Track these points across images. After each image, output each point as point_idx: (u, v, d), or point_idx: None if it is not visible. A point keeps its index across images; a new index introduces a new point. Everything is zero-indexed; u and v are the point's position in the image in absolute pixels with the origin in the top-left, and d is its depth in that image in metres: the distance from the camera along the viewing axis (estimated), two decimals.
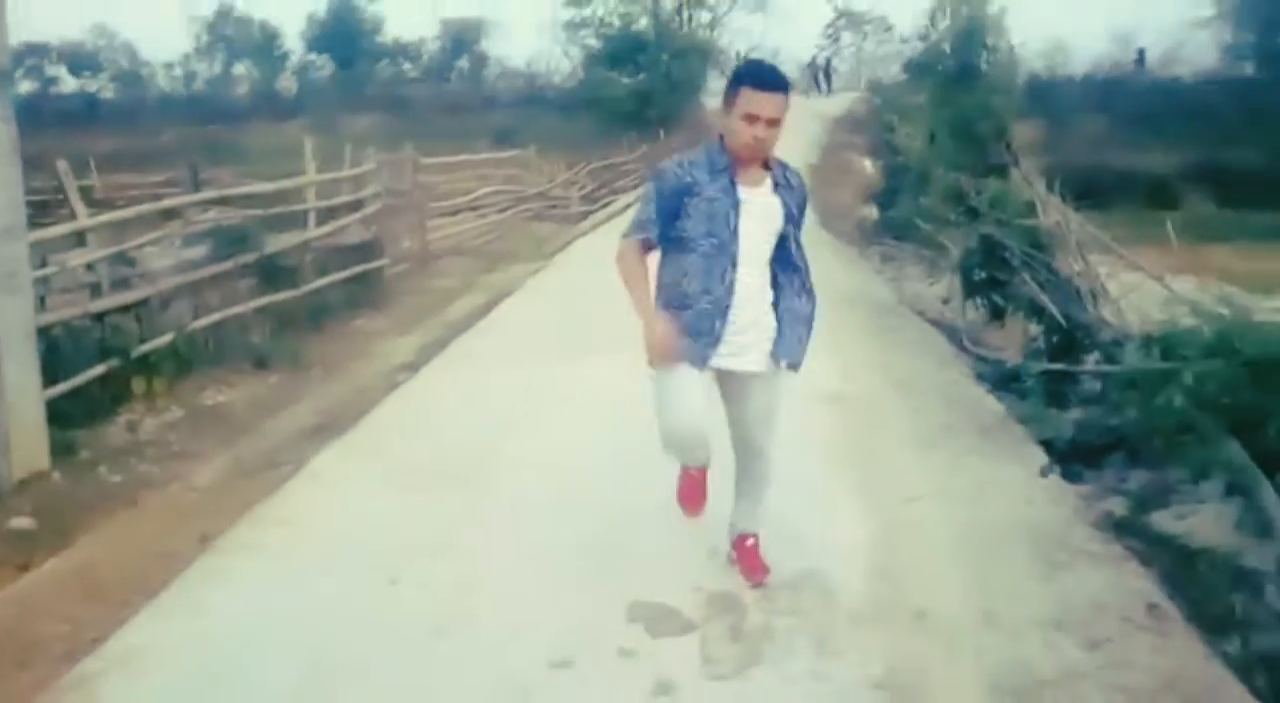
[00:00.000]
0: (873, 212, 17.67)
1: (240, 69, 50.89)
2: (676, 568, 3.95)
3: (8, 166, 4.97)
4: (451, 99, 41.89)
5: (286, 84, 49.90)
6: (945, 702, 3.12)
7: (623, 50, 31.37)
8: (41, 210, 31.45)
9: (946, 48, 10.14)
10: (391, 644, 3.47)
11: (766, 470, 3.76)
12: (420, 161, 13.35)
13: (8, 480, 5.10)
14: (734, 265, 3.44)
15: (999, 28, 9.65)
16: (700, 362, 3.45)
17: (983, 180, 8.23)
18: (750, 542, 3.87)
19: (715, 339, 3.45)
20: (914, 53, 13.41)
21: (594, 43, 34.06)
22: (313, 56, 48.69)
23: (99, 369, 6.33)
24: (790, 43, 57.84)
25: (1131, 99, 37.05)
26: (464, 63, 40.96)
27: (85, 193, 32.62)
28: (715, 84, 46.53)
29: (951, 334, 8.69)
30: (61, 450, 5.55)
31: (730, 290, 3.44)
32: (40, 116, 38.55)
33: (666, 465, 3.93)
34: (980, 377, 7.24)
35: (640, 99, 29.84)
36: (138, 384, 6.63)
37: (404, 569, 4.04)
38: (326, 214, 10.07)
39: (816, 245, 13.85)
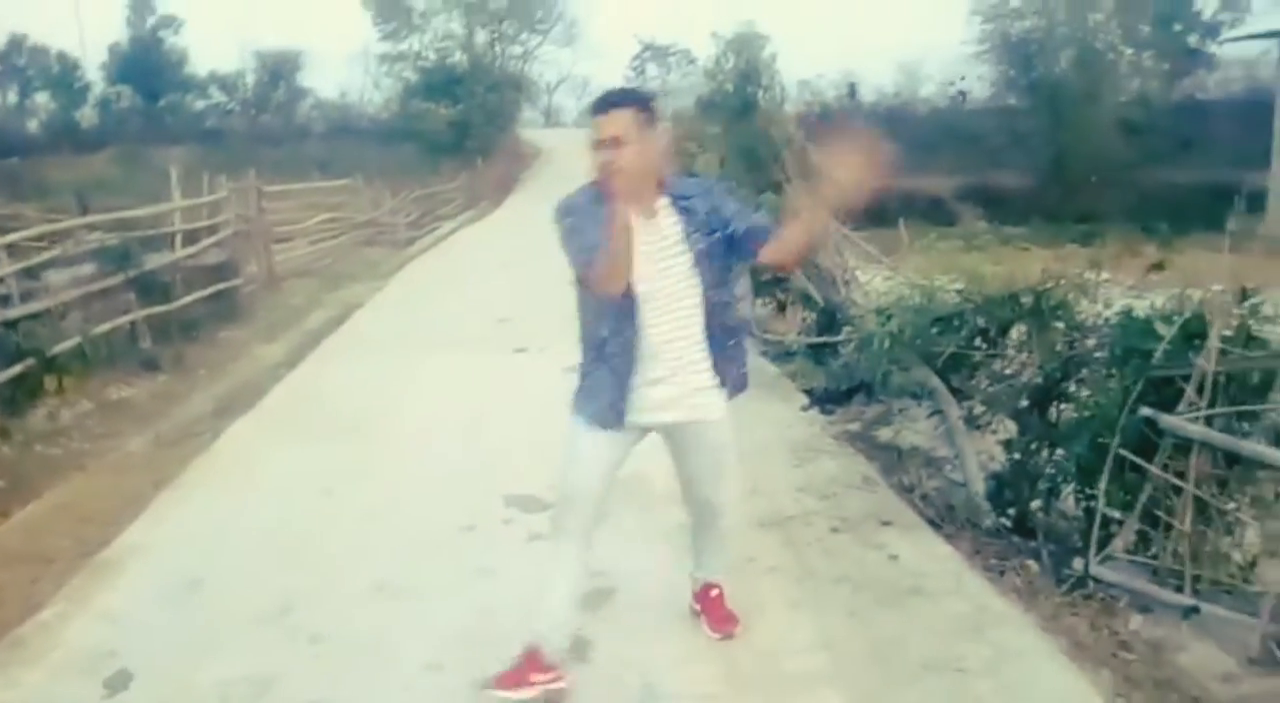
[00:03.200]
0: None
1: (38, 100, 49.54)
2: (536, 469, 5.42)
3: None
4: (264, 130, 42.12)
5: (87, 116, 48.73)
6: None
7: (440, 83, 32.58)
8: None
9: (730, 87, 12.05)
10: (335, 526, 4.82)
11: (725, 527, 3.66)
12: (264, 190, 14.34)
13: None
14: (633, 310, 3.10)
15: (770, 70, 11.63)
16: (608, 422, 3.19)
17: (761, 195, 10.00)
18: (715, 592, 3.70)
19: (622, 394, 3.16)
20: (704, 90, 15.31)
21: (411, 75, 35.17)
22: (116, 88, 47.78)
23: (17, 368, 7.30)
24: (599, 75, 60.08)
25: (913, 126, 40.71)
26: (280, 94, 41.32)
27: None
28: (528, 114, 48.16)
29: (745, 325, 10.43)
30: None
31: (634, 340, 3.12)
32: None
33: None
34: (764, 354, 8.96)
35: (459, 130, 31.12)
36: (50, 381, 7.61)
37: (332, 484, 5.39)
38: (188, 237, 11.04)
39: None
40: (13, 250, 8.30)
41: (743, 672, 3.41)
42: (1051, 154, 32.56)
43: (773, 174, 10.68)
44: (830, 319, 8.54)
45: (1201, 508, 3.90)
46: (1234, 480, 3.92)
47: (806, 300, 9.30)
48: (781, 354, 8.77)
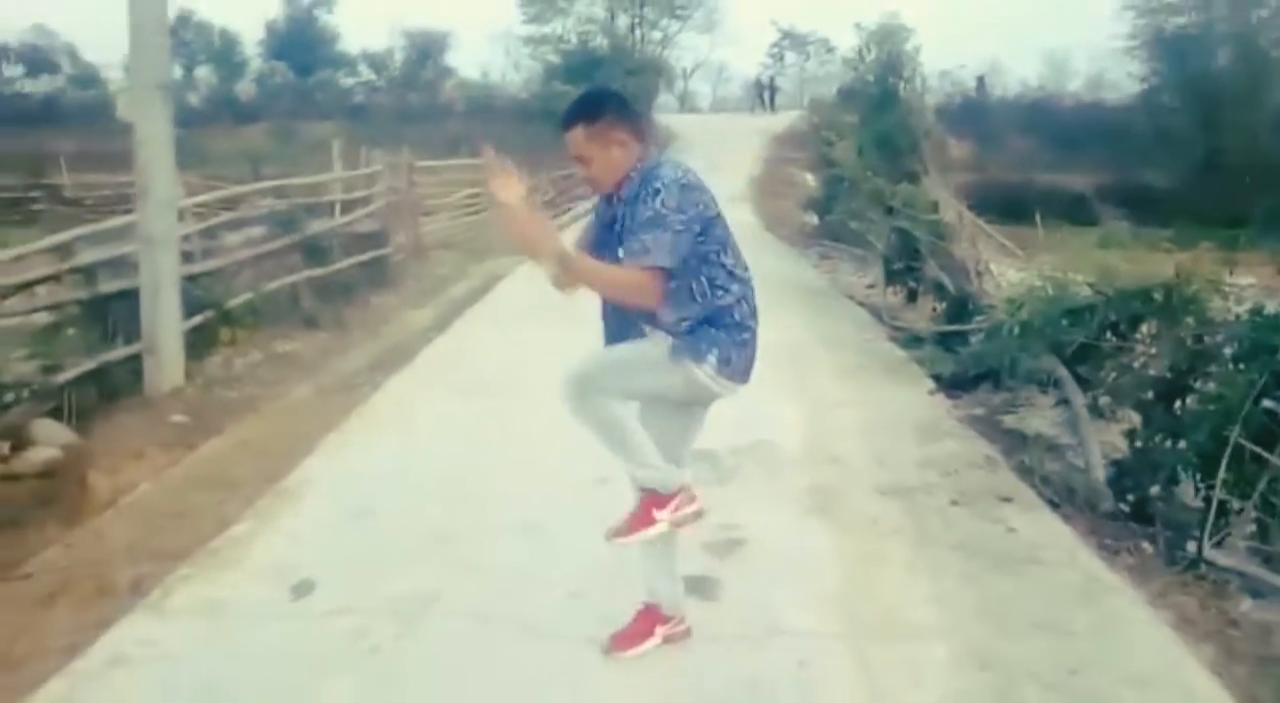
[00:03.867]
0: (812, 218, 19.61)
1: (199, 73, 52.06)
2: None
3: (169, 156, 6.65)
4: (408, 107, 43.48)
5: (245, 89, 51.03)
6: (848, 504, 4.94)
7: (581, 66, 33.19)
8: (11, 207, 32.13)
9: (871, 77, 12.17)
10: (484, 472, 5.26)
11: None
12: (415, 164, 15.03)
13: (161, 390, 6.78)
14: None
15: (913, 62, 11.72)
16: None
17: (898, 185, 10.16)
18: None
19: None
20: (846, 80, 15.41)
21: (553, 58, 35.90)
22: (271, 64, 49.89)
23: (197, 319, 7.98)
24: (737, 61, 60.23)
25: (1056, 120, 39.74)
26: (427, 73, 42.67)
27: (55, 191, 33.25)
28: (663, 99, 48.51)
29: (875, 313, 10.61)
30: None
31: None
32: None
33: None
34: (894, 340, 9.14)
35: None
36: (224, 333, 8.29)
37: (480, 435, 5.84)
38: (345, 207, 11.74)
39: (760, 246, 15.89)
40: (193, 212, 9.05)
41: (861, 619, 3.70)
42: (1203, 154, 31.32)
43: (909, 164, 10.82)
44: (961, 308, 8.68)
45: None
46: None
47: (939, 289, 9.45)
48: (911, 340, 8.92)
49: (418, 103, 43.94)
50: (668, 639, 3.51)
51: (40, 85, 48.79)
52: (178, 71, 51.80)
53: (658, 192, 3.00)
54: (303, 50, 47.52)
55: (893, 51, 11.63)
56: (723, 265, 3.11)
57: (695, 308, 3.10)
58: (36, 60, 47.67)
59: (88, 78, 50.32)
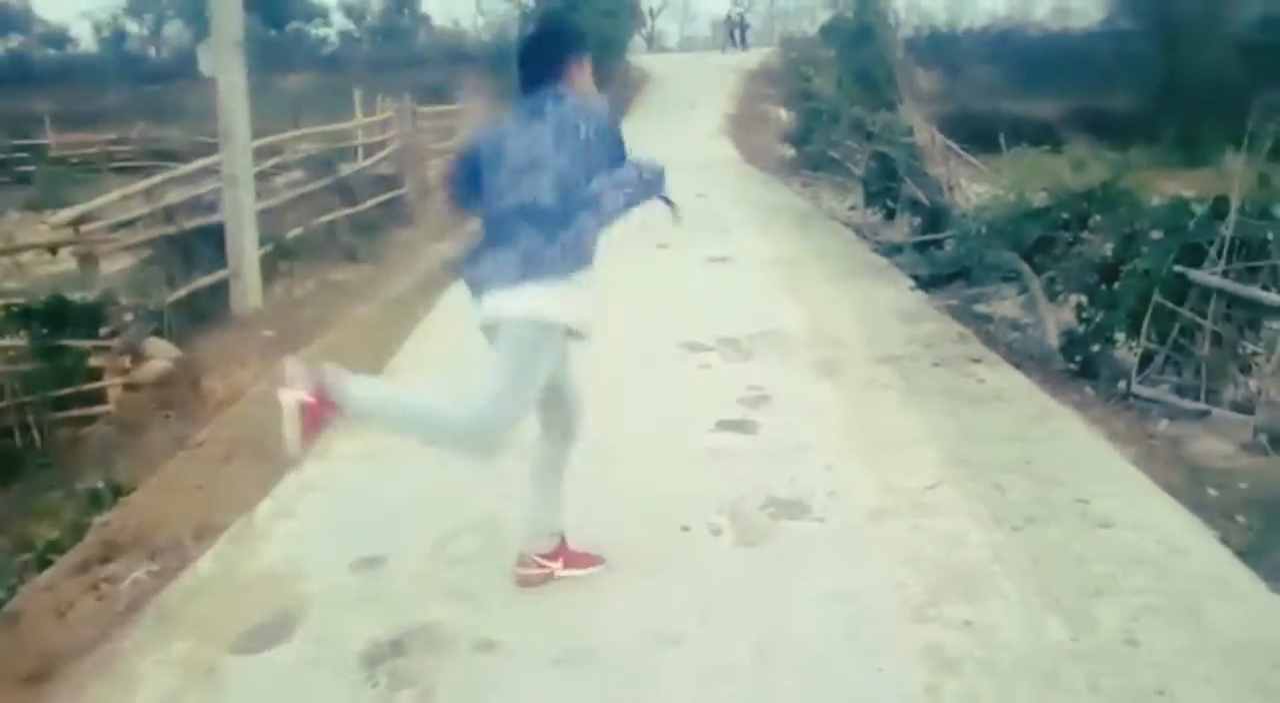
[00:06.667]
0: (790, 151, 20.59)
1: (170, 30, 51.98)
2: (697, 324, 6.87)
3: (245, 105, 7.62)
4: (381, 57, 43.81)
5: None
6: (850, 369, 6.06)
7: (556, 11, 33.65)
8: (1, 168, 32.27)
9: (849, 15, 13.18)
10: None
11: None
12: (418, 110, 15.93)
13: (245, 310, 7.83)
14: None
15: (886, 0, 12.75)
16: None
17: (877, 114, 11.20)
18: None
19: None
20: (825, 19, 16.33)
21: (528, 2, 36.33)
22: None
23: (260, 251, 8.99)
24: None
25: (1023, 50, 40.59)
26: (405, 21, 43.07)
27: (40, 151, 33.56)
28: (633, 39, 48.90)
29: (858, 230, 11.69)
30: None
31: None
32: None
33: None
34: (876, 251, 10.24)
35: None
36: (283, 265, 9.31)
37: None
38: (365, 151, 12.69)
39: (744, 176, 16.90)
40: None
41: (869, 437, 4.83)
42: (1163, 78, 32.33)
43: (886, 94, 11.86)
44: (935, 219, 9.78)
45: (1217, 341, 5.17)
46: (1244, 322, 5.18)
47: (914, 206, 10.54)
48: (891, 249, 10.03)
49: (388, 52, 44.26)
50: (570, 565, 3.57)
51: (9, 44, 48.51)
52: (146, 28, 51.93)
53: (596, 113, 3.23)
54: (274, 2, 47.49)
55: None
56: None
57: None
58: (7, 20, 47.43)
59: (57, 37, 50.17)
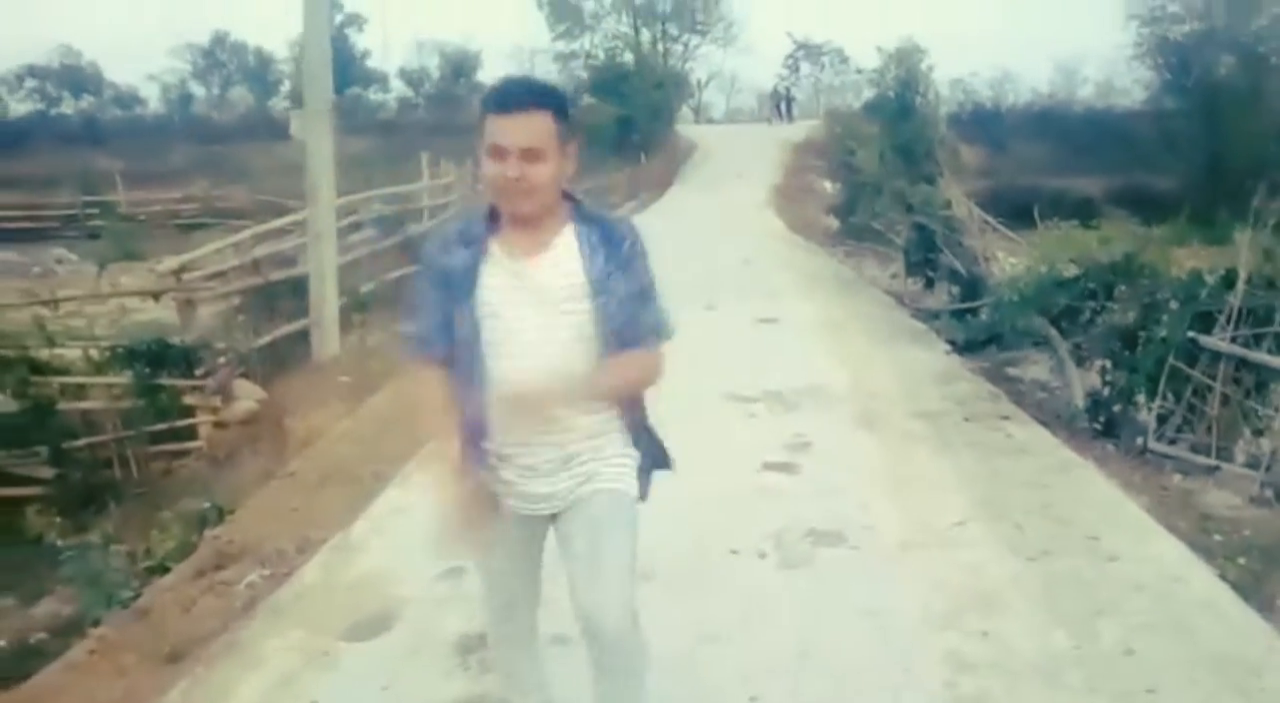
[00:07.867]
0: (834, 221, 21.19)
1: (234, 94, 53.94)
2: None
3: (330, 167, 8.31)
4: (437, 122, 45.22)
5: (279, 106, 52.80)
6: (886, 422, 6.52)
7: (609, 81, 34.80)
8: (69, 223, 33.88)
9: (891, 94, 13.85)
10: None
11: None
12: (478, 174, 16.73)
13: (324, 358, 8.44)
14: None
15: (928, 79, 13.40)
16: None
17: (917, 186, 11.77)
18: None
19: None
20: (869, 96, 17.01)
21: (582, 73, 37.58)
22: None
23: (340, 302, 9.64)
24: (747, 71, 61.71)
25: (1067, 127, 41.14)
26: (460, 88, 44.50)
27: (110, 208, 34.95)
28: (680, 110, 50.14)
29: (898, 298, 12.19)
30: None
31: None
32: (43, 137, 41.35)
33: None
34: (915, 318, 10.73)
35: (624, 126, 33.24)
36: (356, 317, 9.94)
37: None
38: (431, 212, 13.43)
39: (790, 245, 17.47)
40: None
41: (901, 482, 5.30)
42: (1205, 158, 32.71)
43: (926, 168, 12.44)
44: (971, 288, 10.26)
45: (1226, 402, 5.61)
46: (1253, 384, 5.61)
47: (953, 276, 11.03)
48: (929, 316, 10.50)
49: (444, 117, 45.68)
50: None
51: (80, 105, 50.40)
52: (214, 90, 53.99)
53: (644, 252, 2.46)
54: (335, 68, 49.10)
55: (910, 69, 13.35)
56: None
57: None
58: (75, 81, 49.34)
59: (127, 98, 52.11)
